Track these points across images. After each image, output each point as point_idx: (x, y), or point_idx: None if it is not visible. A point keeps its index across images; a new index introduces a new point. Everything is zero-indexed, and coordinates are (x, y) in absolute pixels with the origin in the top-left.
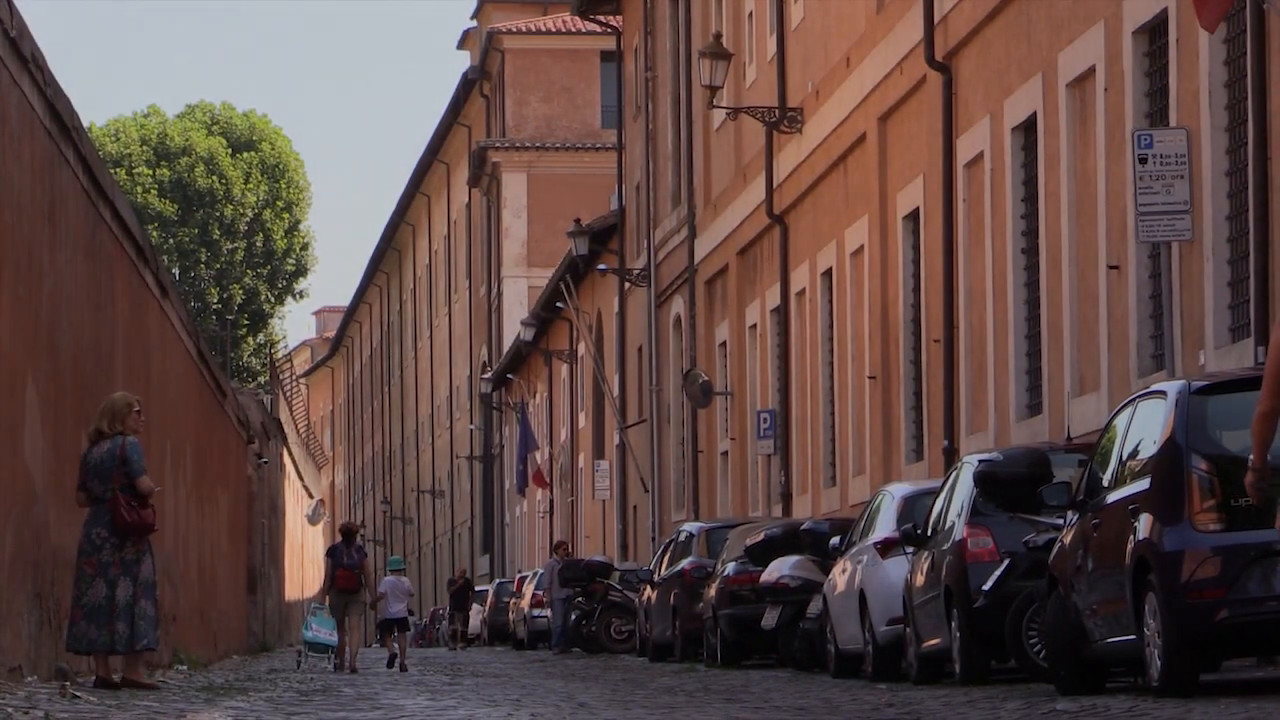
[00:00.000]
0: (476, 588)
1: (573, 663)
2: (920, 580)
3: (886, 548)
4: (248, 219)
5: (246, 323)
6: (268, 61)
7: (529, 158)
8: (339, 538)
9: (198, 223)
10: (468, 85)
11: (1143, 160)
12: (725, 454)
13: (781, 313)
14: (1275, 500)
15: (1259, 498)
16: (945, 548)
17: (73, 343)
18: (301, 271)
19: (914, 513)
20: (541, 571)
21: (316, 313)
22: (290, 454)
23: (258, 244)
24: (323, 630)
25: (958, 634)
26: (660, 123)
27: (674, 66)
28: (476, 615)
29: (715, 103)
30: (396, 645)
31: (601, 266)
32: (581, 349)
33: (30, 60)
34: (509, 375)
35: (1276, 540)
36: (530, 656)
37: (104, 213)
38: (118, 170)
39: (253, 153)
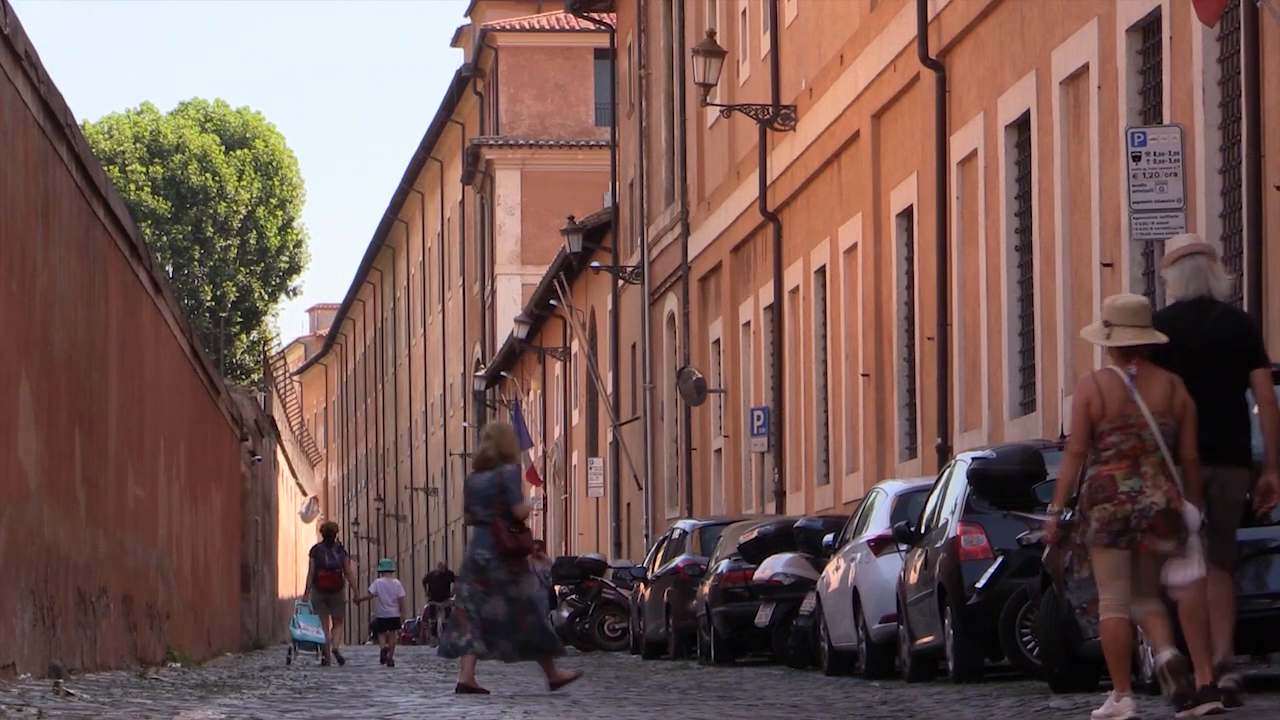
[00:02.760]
0: None
1: (566, 660)
2: (914, 578)
3: (880, 545)
4: (241, 216)
5: (240, 320)
6: (261, 59)
7: (522, 155)
8: (321, 538)
9: (191, 220)
10: (461, 82)
11: (1136, 158)
12: (719, 451)
13: (775, 310)
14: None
15: (1056, 538)
16: (939, 545)
17: (66, 340)
18: (295, 269)
19: (907, 510)
20: None
21: (310, 310)
22: (284, 451)
23: (251, 241)
24: (310, 628)
25: (951, 631)
26: (654, 120)
27: (668, 64)
28: None
29: (709, 100)
30: (386, 642)
31: (595, 264)
32: (575, 346)
33: (24, 58)
34: (503, 373)
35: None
36: None
37: (97, 210)
38: (111, 167)
39: (246, 150)
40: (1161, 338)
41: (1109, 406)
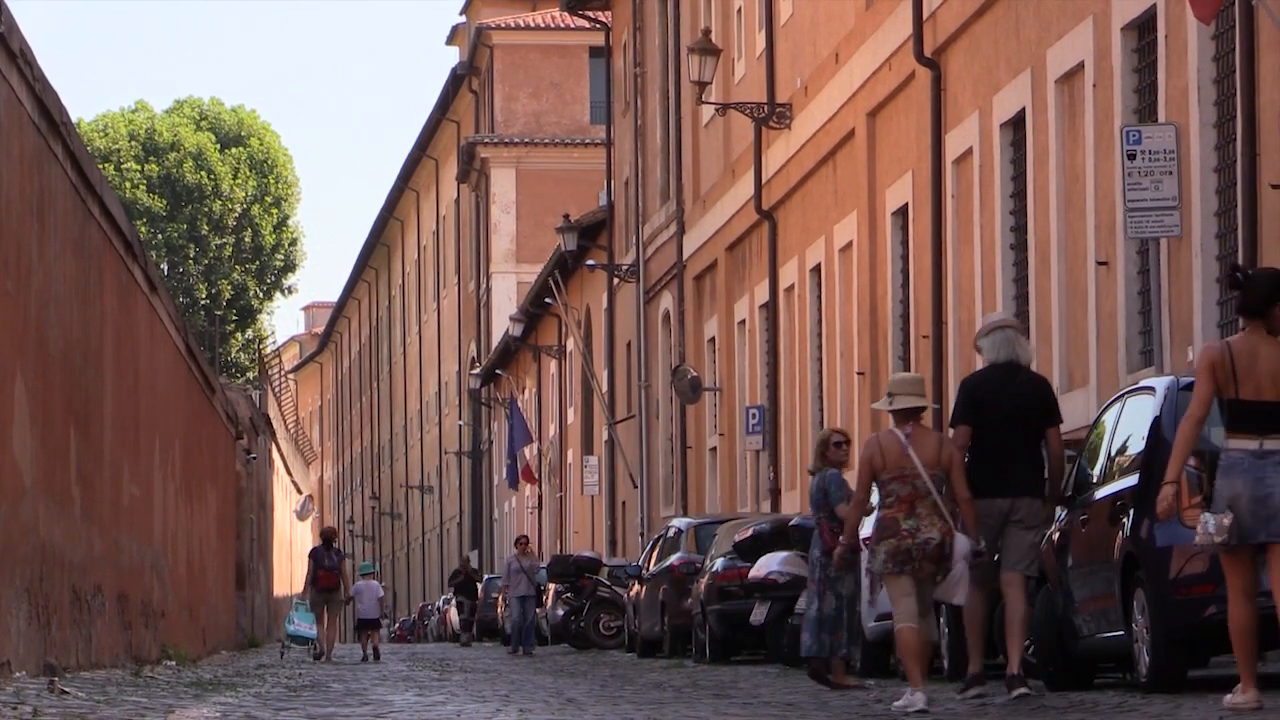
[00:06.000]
0: None
1: (561, 659)
2: None
3: None
4: (236, 214)
5: (235, 318)
6: (256, 56)
7: (518, 153)
8: (320, 542)
9: (186, 218)
10: (456, 81)
11: (1131, 156)
12: (714, 450)
13: (770, 308)
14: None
15: (841, 563)
16: None
17: (61, 338)
18: (290, 267)
19: None
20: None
21: (305, 308)
22: (279, 449)
23: (246, 239)
24: (304, 624)
25: (946, 630)
26: (649, 118)
27: (663, 62)
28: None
29: (704, 98)
30: (368, 641)
31: (590, 262)
32: (570, 345)
33: (19, 55)
34: (498, 371)
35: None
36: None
37: (92, 208)
38: (106, 166)
39: (241, 148)
40: (928, 404)
41: (888, 460)
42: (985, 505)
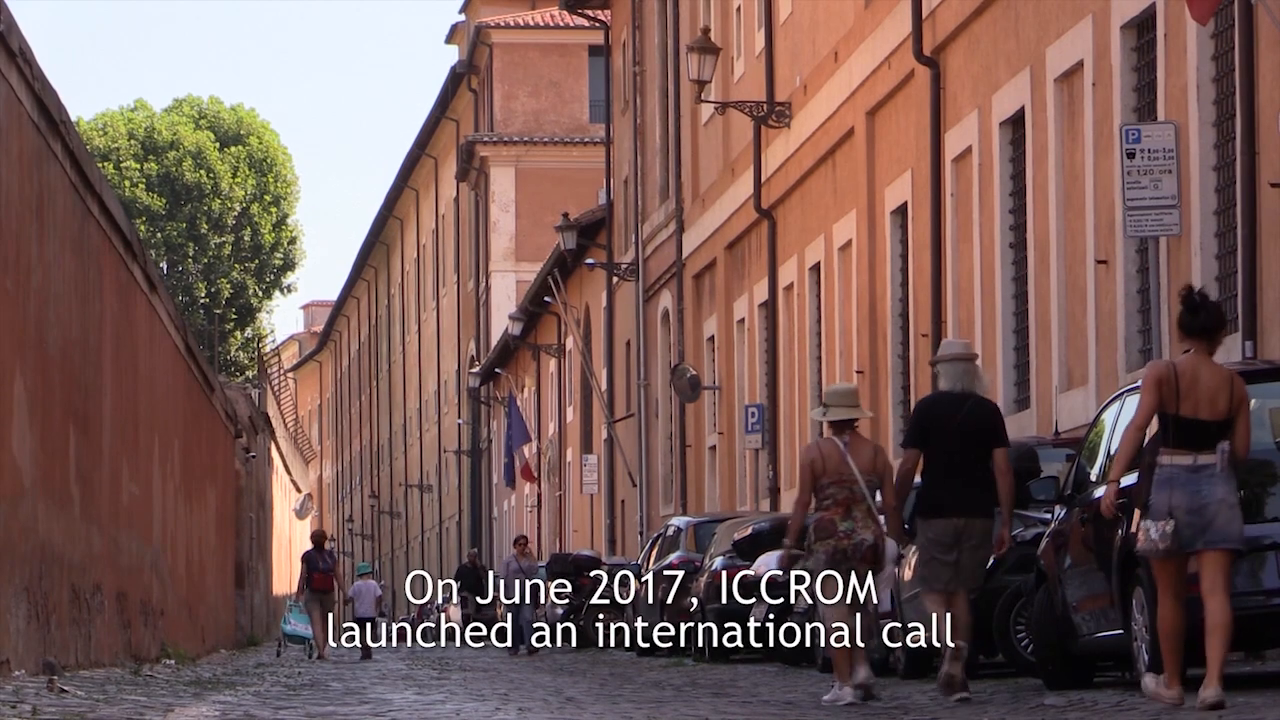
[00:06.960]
0: None
1: (560, 657)
2: (908, 574)
3: None
4: (235, 213)
5: (234, 317)
6: (256, 55)
7: (517, 152)
8: (311, 545)
9: (185, 217)
10: (456, 79)
11: (1131, 155)
12: (713, 448)
13: (769, 307)
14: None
15: (785, 564)
16: None
17: (60, 337)
18: (289, 266)
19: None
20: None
21: (304, 307)
22: (278, 448)
23: (245, 238)
24: (300, 625)
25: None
26: (648, 117)
27: (662, 61)
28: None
29: (703, 97)
30: (367, 639)
31: (589, 261)
32: (569, 343)
33: (18, 54)
34: (497, 370)
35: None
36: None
37: (92, 207)
38: (105, 165)
39: (240, 147)
40: (866, 413)
41: (828, 466)
42: (940, 525)
